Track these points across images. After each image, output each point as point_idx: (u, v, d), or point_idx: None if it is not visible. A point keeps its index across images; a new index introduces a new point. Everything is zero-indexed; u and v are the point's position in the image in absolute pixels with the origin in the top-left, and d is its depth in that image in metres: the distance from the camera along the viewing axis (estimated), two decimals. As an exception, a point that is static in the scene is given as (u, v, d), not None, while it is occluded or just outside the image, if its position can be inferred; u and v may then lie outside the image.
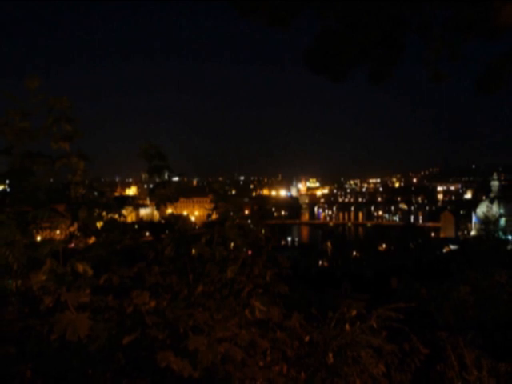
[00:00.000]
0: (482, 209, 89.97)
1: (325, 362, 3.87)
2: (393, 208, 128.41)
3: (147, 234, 4.20)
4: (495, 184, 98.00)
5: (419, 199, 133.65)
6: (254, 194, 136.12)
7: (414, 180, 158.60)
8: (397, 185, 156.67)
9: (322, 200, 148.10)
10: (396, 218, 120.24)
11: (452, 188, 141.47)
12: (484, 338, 4.88)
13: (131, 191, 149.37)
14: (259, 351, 3.34)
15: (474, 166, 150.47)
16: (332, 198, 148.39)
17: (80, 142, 3.12)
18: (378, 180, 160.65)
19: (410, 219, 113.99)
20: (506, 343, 5.04)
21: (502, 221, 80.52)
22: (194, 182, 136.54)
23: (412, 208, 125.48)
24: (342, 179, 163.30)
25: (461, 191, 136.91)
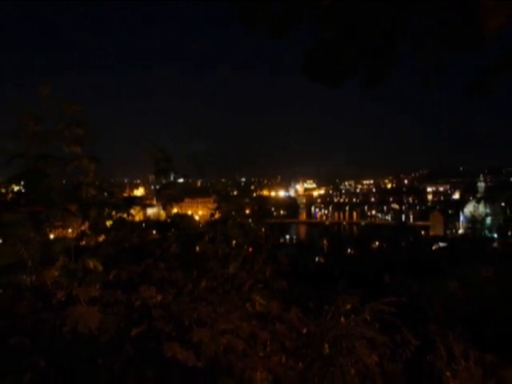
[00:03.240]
0: (469, 208, 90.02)
1: (321, 352, 3.87)
2: (385, 208, 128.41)
3: (154, 232, 4.20)
4: (481, 185, 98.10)
5: (410, 199, 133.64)
6: (254, 194, 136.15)
7: (406, 181, 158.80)
8: (389, 186, 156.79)
9: (319, 200, 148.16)
10: (388, 218, 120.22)
11: (441, 189, 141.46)
12: (472, 331, 4.88)
13: (139, 192, 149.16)
14: (259, 342, 3.34)
15: (461, 169, 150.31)
16: (328, 199, 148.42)
17: (90, 144, 3.13)
18: (372, 181, 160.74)
19: (401, 218, 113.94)
20: (493, 335, 5.03)
21: (488, 220, 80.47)
22: (198, 183, 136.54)
23: (403, 208, 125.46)
24: (338, 180, 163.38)
25: (449, 192, 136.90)
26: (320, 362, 3.80)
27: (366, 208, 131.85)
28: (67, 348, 2.41)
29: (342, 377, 3.74)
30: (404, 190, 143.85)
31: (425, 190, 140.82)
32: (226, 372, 2.90)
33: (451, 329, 4.74)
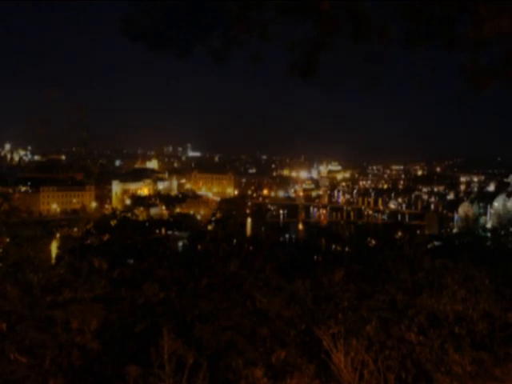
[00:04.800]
0: (463, 208, 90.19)
1: (320, 348, 3.86)
2: (381, 208, 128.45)
3: (157, 231, 4.23)
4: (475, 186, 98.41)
5: (406, 199, 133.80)
6: (254, 194, 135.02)
7: (401, 182, 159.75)
8: (385, 186, 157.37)
9: (317, 200, 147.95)
10: (385, 217, 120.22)
11: (435, 190, 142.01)
12: (466, 329, 4.86)
13: (152, 164, 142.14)
14: (259, 338, 3.34)
15: (455, 170, 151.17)
16: (326, 199, 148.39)
17: (105, 111, 3.13)
18: (369, 182, 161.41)
19: (397, 217, 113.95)
20: (487, 333, 5.01)
21: (482, 219, 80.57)
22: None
23: (400, 208, 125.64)
24: (335, 182, 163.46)
25: (444, 192, 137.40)
26: (319, 358, 3.80)
27: (362, 208, 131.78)
28: (72, 345, 2.41)
29: (339, 373, 3.74)
30: (400, 190, 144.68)
31: (420, 190, 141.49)
32: (226, 367, 2.90)
33: (445, 327, 4.73)
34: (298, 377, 3.51)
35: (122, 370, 2.71)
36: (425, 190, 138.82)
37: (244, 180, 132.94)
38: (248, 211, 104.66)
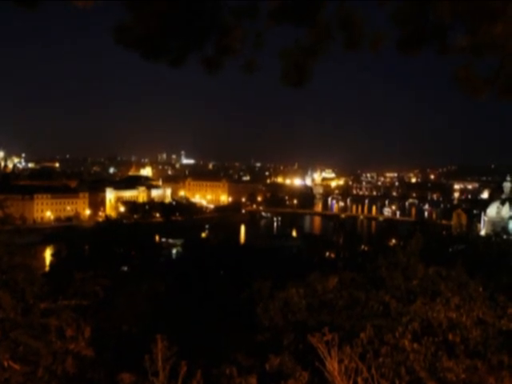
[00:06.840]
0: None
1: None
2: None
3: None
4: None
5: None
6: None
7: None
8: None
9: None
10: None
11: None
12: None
13: (146, 171, 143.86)
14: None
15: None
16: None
17: (100, 120, 3.09)
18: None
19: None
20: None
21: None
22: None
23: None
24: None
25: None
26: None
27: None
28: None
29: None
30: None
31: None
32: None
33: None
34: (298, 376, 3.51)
35: (116, 378, 2.72)
36: (419, 196, 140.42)
37: (240, 185, 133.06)
38: (242, 218, 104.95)
